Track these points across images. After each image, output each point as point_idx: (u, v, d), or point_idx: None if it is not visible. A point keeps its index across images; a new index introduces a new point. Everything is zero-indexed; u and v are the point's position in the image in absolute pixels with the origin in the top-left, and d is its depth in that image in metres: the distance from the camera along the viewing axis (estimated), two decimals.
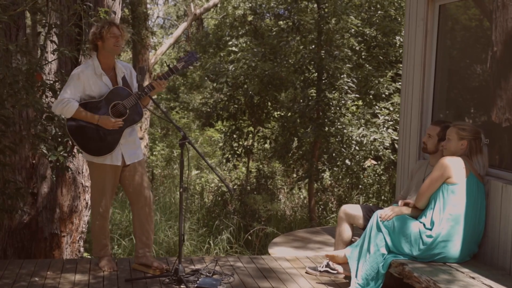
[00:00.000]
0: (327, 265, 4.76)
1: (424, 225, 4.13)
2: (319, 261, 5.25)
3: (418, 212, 4.28)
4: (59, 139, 5.37)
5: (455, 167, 4.07)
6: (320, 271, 4.78)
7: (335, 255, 4.65)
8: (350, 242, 4.80)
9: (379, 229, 4.26)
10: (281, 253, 5.64)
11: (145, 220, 4.74)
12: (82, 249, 7.14)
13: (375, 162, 10.74)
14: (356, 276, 4.33)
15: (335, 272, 4.71)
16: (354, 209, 4.79)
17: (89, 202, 6.80)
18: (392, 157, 9.94)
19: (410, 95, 5.35)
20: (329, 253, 4.72)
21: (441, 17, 5.06)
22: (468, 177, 4.07)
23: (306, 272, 4.87)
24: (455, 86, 5.06)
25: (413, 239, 4.12)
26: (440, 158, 4.18)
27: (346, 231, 4.81)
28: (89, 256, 7.91)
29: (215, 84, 11.32)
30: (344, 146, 9.35)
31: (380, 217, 4.28)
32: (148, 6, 20.36)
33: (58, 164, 5.53)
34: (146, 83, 14.28)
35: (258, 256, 5.43)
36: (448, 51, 5.08)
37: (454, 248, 4.05)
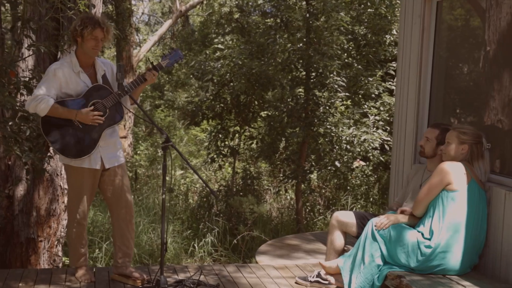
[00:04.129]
0: (318, 275, 4.50)
1: (422, 234, 3.88)
2: (309, 269, 5.00)
3: (415, 221, 4.04)
4: (35, 140, 5.07)
5: (455, 173, 3.83)
6: (310, 281, 4.52)
7: (327, 265, 4.40)
8: (343, 251, 4.55)
9: (374, 238, 4.01)
10: (268, 261, 5.38)
11: (125, 228, 4.45)
12: (60, 254, 6.83)
13: (363, 163, 10.51)
14: None
15: (326, 282, 4.46)
16: (346, 216, 4.54)
17: None
18: (381, 157, 9.73)
19: (405, 96, 5.11)
20: (321, 262, 4.47)
21: (439, 14, 4.83)
22: (469, 184, 3.83)
23: (296, 282, 4.61)
24: (453, 86, 4.83)
25: (410, 250, 3.87)
26: (440, 163, 3.93)
27: (338, 239, 4.55)
28: (67, 261, 7.60)
29: (200, 82, 11.04)
30: (335, 146, 9.11)
31: (375, 226, 4.03)
32: (133, 2, 20.03)
33: (33, 166, 5.23)
34: (129, 79, 13.95)
35: (245, 264, 5.17)
36: (446, 49, 4.84)
37: (454, 259, 3.81)
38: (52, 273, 4.64)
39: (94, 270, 4.75)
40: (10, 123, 4.86)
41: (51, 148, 5.23)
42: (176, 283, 4.34)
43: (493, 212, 3.91)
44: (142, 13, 24.92)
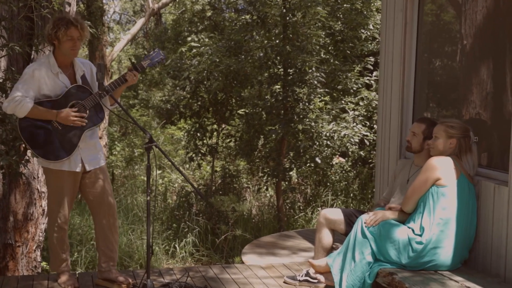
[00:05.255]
0: (307, 274, 4.44)
1: (413, 230, 3.84)
2: (296, 268, 4.94)
3: (404, 217, 4.00)
4: (11, 143, 4.90)
5: (444, 168, 3.80)
6: (299, 280, 4.46)
7: (316, 264, 4.34)
8: (331, 249, 4.49)
9: (364, 236, 3.96)
10: (254, 261, 5.31)
11: (108, 231, 4.33)
12: (39, 258, 6.66)
13: (343, 159, 10.50)
14: (340, 287, 4.02)
15: (315, 281, 4.40)
16: (334, 214, 4.49)
17: (46, 210, 6.33)
18: (361, 152, 9.72)
19: (388, 91, 5.07)
20: (310, 261, 4.41)
21: (421, 8, 4.80)
22: (459, 178, 3.80)
23: (284, 282, 4.54)
24: (438, 81, 4.81)
25: (401, 246, 3.83)
26: (428, 159, 3.90)
27: (326, 237, 4.49)
28: (47, 267, 7.42)
29: (176, 81, 10.90)
30: (315, 142, 9.06)
31: (365, 223, 3.98)
32: (104, 1, 19.74)
33: (10, 170, 5.06)
34: (105, 79, 13.66)
35: (231, 265, 5.08)
36: (430, 43, 4.82)
37: (446, 255, 3.78)
38: (34, 280, 4.50)
39: (77, 275, 4.62)
40: None
41: (28, 151, 5.07)
42: (163, 287, 4.24)
43: (483, 206, 3.89)
44: (114, 12, 24.60)
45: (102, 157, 4.35)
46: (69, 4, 5.50)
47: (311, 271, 4.43)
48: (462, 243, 3.83)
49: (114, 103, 4.28)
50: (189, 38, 14.67)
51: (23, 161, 5.10)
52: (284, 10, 8.87)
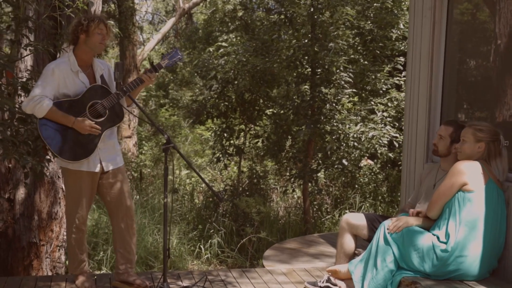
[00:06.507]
0: (328, 280, 4.31)
1: (438, 238, 3.68)
2: (317, 274, 4.82)
3: (429, 223, 3.84)
4: (33, 143, 4.89)
5: (471, 172, 3.64)
6: (320, 286, 4.33)
7: (337, 270, 4.21)
8: (353, 255, 4.36)
9: (386, 242, 3.82)
10: (275, 265, 5.21)
11: (126, 233, 4.28)
12: (63, 258, 6.68)
13: (371, 162, 10.31)
14: None
15: (336, 287, 4.27)
16: (357, 219, 4.35)
17: None
18: (390, 154, 9.52)
19: (416, 92, 4.91)
20: (331, 267, 4.28)
21: (450, 6, 4.63)
22: (487, 184, 3.63)
23: None
24: (466, 82, 4.63)
25: (425, 253, 3.67)
26: (455, 163, 3.74)
27: (348, 242, 4.36)
28: None
29: (204, 81, 10.86)
30: (342, 144, 8.90)
31: (388, 229, 3.84)
32: (136, 1, 19.86)
33: (32, 170, 5.06)
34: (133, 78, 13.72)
35: (251, 269, 4.98)
36: (459, 43, 4.64)
37: (473, 264, 3.61)
38: (52, 281, 4.48)
39: (95, 277, 4.58)
40: (7, 126, 4.69)
41: (48, 151, 5.06)
42: None
43: None
44: (146, 12, 24.75)
45: (120, 157, 4.31)
46: (93, 4, 5.48)
47: (332, 277, 4.30)
48: (490, 252, 3.66)
49: (131, 103, 4.24)
50: (220, 38, 14.64)
51: (44, 161, 5.09)
52: (312, 9, 8.74)
